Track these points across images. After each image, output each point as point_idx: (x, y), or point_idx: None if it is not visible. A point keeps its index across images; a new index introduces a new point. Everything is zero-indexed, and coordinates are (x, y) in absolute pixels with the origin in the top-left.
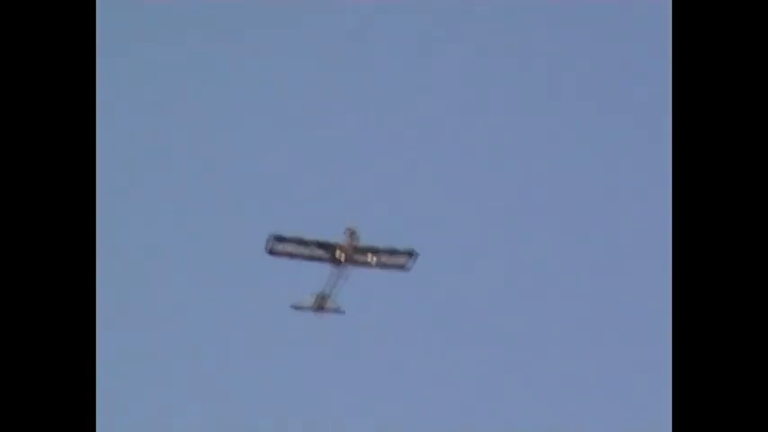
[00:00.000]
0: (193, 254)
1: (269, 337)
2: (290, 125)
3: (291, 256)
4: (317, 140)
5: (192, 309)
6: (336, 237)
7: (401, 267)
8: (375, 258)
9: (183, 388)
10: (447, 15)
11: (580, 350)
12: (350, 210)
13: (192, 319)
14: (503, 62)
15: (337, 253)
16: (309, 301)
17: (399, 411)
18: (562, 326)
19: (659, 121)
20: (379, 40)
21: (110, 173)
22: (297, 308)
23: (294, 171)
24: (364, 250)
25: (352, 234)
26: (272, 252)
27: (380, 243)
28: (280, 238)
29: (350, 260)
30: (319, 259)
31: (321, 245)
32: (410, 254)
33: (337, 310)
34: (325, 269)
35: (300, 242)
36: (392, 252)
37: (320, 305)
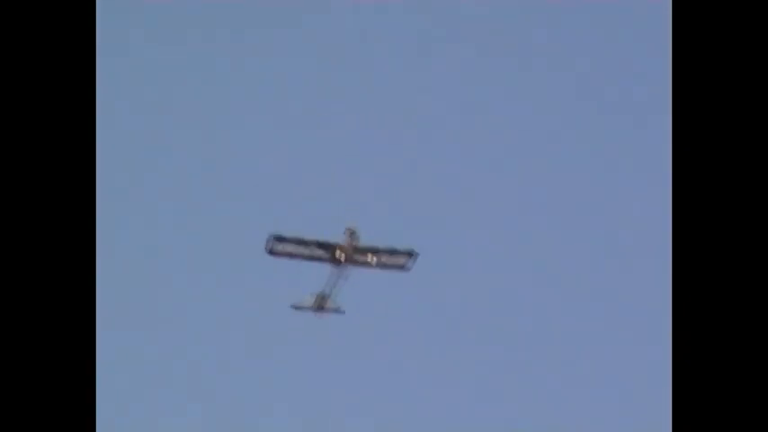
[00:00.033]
0: (193, 254)
1: (269, 337)
2: (290, 125)
3: (291, 256)
4: (317, 140)
5: (192, 309)
6: (336, 237)
7: (401, 267)
8: (375, 258)
9: (183, 388)
10: (447, 15)
11: (580, 350)
12: (350, 210)
13: (192, 319)
14: (503, 62)
15: (337, 253)
16: (309, 301)
17: (399, 411)
18: (562, 326)
19: (659, 121)
20: (379, 40)
21: (110, 173)
22: (297, 308)
23: (294, 171)
24: (364, 250)
25: (352, 234)
26: (272, 252)
27: (380, 243)
28: (280, 238)
29: (350, 260)
30: (319, 259)
31: (321, 245)
32: (410, 254)
33: (337, 310)
34: (325, 269)
35: (300, 242)
36: (392, 252)
37: (320, 305)
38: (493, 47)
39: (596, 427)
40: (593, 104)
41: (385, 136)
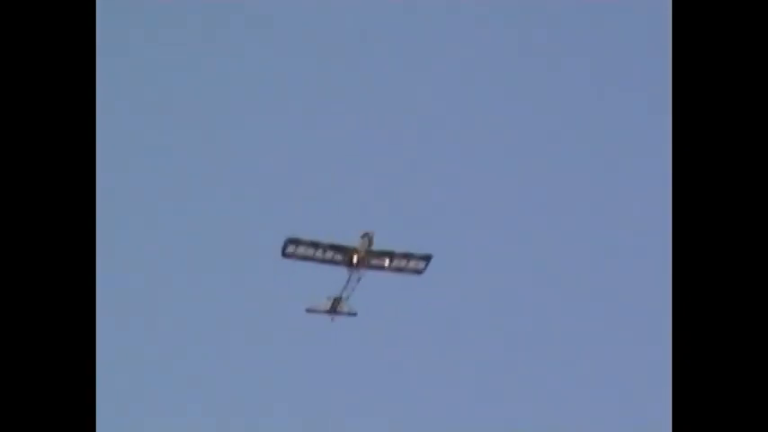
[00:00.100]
0: (203, 255)
1: (280, 339)
2: (291, 125)
3: (306, 259)
4: (318, 141)
5: (202, 310)
6: (351, 240)
7: (416, 271)
8: (390, 262)
9: (186, 388)
10: (447, 15)
11: (583, 350)
12: (350, 210)
13: (201, 320)
14: (503, 62)
15: (352, 256)
16: (324, 304)
17: (411, 413)
18: (570, 326)
19: (659, 121)
20: (379, 40)
21: (110, 173)
22: (311, 311)
23: (296, 171)
24: (379, 254)
25: (367, 237)
26: (286, 255)
27: (395, 247)
28: (295, 241)
29: (365, 264)
30: (334, 262)
31: (336, 248)
32: (425, 258)
33: (350, 313)
34: (340, 272)
35: (315, 245)
36: (407, 256)
37: (334, 308)
38: (493, 47)
39: (596, 428)
40: (594, 104)
41: (385, 136)
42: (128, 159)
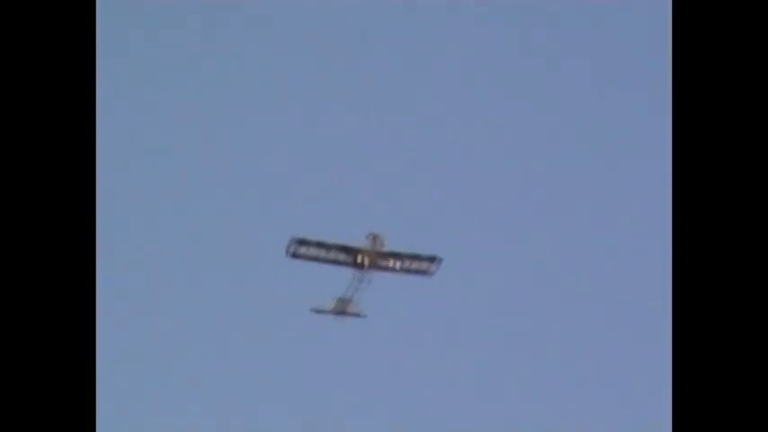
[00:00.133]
0: (205, 255)
1: (284, 340)
2: (291, 125)
3: (313, 259)
4: (319, 142)
5: (204, 311)
6: (358, 241)
7: (424, 273)
8: (398, 263)
9: (193, 390)
10: (447, 15)
11: (586, 350)
12: (363, 214)
13: (203, 320)
14: (503, 62)
15: (360, 257)
16: (330, 305)
17: (417, 414)
18: (575, 329)
19: (659, 121)
20: (379, 40)
21: (110, 173)
22: (317, 311)
23: (295, 171)
24: (387, 255)
25: (375, 239)
26: (293, 255)
27: (403, 248)
28: (302, 242)
29: (372, 265)
30: (341, 263)
31: (344, 249)
32: (433, 259)
33: (358, 315)
34: (347, 273)
35: (322, 246)
36: (415, 257)
37: (341, 309)
38: (493, 47)
39: (596, 428)
40: (594, 104)
41: (385, 136)
42: (128, 159)
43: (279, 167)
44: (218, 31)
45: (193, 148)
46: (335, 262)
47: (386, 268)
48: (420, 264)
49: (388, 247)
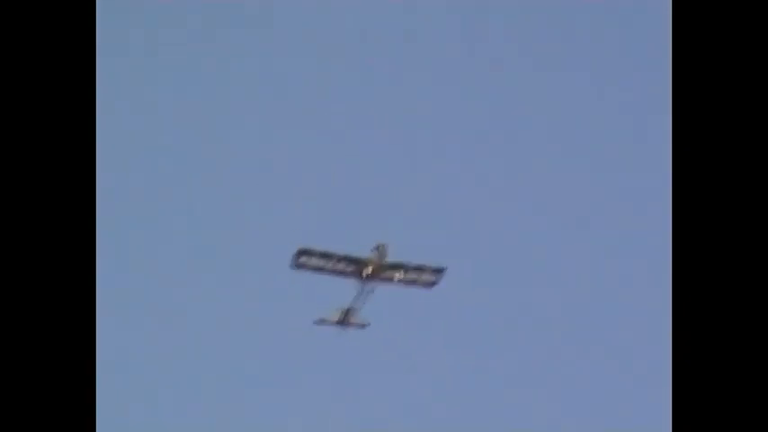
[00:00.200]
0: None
1: (287, 348)
2: (291, 125)
3: (317, 270)
4: (318, 142)
5: (205, 314)
6: (363, 251)
7: (428, 284)
8: (402, 275)
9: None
10: (447, 15)
11: (586, 350)
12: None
13: (204, 325)
14: (503, 62)
15: (364, 268)
16: (334, 315)
17: (419, 424)
18: (576, 328)
19: (659, 121)
20: (379, 40)
21: (110, 173)
22: (320, 322)
23: (296, 171)
24: (392, 266)
25: (380, 249)
26: (297, 265)
27: (408, 259)
28: (306, 252)
29: (377, 276)
30: (346, 274)
31: (348, 259)
32: (437, 270)
33: (362, 325)
34: (352, 284)
35: (327, 256)
36: (419, 268)
37: (345, 320)
38: (493, 47)
39: (596, 428)
40: (594, 104)
41: (385, 135)
42: (128, 159)
43: (279, 167)
44: (218, 31)
45: (194, 149)
46: (340, 273)
47: (390, 279)
48: (425, 275)
49: (392, 257)
